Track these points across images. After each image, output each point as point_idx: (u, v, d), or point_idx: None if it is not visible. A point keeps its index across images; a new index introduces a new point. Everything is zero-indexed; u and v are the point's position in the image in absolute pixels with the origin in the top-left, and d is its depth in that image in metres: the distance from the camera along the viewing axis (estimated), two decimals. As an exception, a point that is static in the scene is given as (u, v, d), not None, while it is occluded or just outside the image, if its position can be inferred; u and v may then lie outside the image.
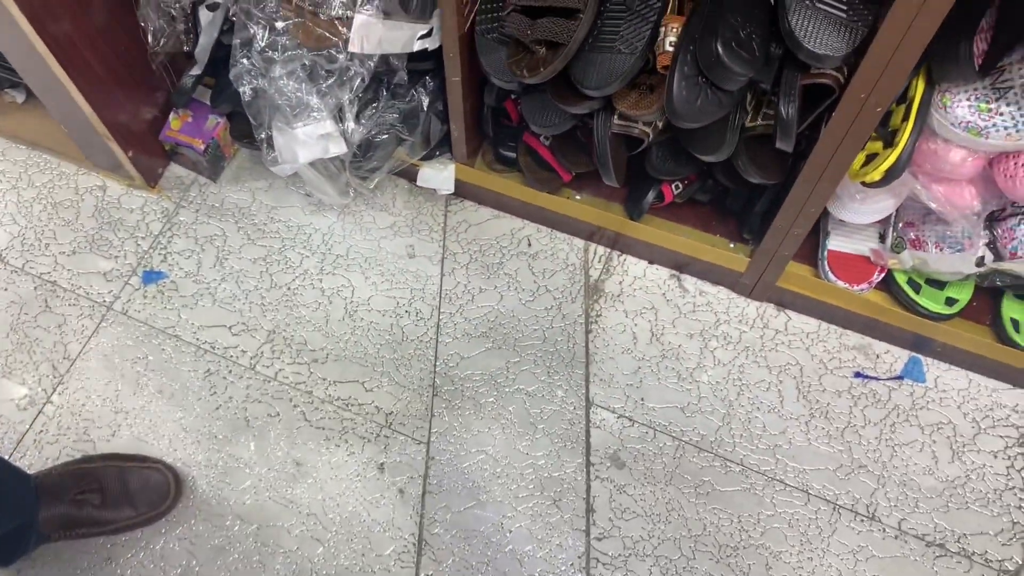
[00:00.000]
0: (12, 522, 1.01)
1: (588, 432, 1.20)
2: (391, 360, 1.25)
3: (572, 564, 1.12)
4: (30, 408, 1.21)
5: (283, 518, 1.14)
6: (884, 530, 1.14)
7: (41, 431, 1.20)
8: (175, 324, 1.27)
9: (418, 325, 1.27)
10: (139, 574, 1.12)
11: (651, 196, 1.18)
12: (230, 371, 1.24)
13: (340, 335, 1.27)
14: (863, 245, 1.18)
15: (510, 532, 1.14)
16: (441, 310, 1.29)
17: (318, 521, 1.15)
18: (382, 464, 1.18)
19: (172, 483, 1.14)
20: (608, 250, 1.32)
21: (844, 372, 1.24)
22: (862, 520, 1.15)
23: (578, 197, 1.28)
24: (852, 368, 1.24)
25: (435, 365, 1.25)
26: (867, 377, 1.23)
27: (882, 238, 1.18)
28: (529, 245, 1.33)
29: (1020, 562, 1.12)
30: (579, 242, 1.33)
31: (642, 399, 1.22)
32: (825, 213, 1.15)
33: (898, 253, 1.14)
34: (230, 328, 1.27)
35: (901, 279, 1.18)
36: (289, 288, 1.30)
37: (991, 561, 1.11)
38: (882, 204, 1.10)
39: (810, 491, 1.16)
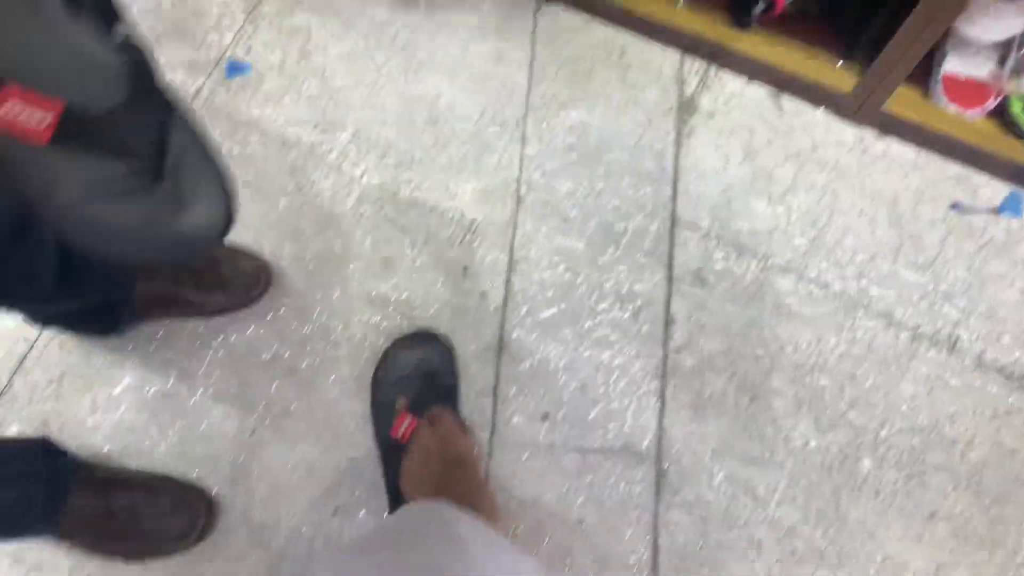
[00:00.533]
0: (107, 295, 1.04)
1: (672, 249, 1.20)
2: (475, 168, 1.24)
3: (648, 373, 1.14)
4: (120, 193, 1.22)
5: (368, 313, 1.17)
6: (963, 362, 1.14)
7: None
8: (260, 118, 1.26)
9: (503, 133, 1.25)
10: (229, 356, 1.15)
11: (762, 1, 1.12)
12: (316, 168, 1.23)
13: (425, 139, 1.25)
14: (981, 68, 1.12)
15: (589, 338, 1.15)
16: (527, 119, 1.26)
17: (404, 317, 1.17)
18: (466, 268, 1.19)
19: (262, 272, 1.15)
20: (706, 64, 1.27)
21: (941, 202, 1.20)
22: (942, 350, 1.14)
23: (681, 3, 1.21)
24: (949, 199, 1.20)
25: (520, 175, 1.23)
26: (964, 209, 1.19)
27: (1002, 61, 1.11)
28: (623, 55, 1.28)
29: (1101, 398, 1.11)
30: (675, 55, 1.28)
31: (729, 220, 1.21)
32: (945, 33, 1.08)
33: (1018, 76, 1.08)
34: (315, 125, 1.25)
35: (1016, 106, 1.12)
36: (374, 87, 1.27)
37: (1071, 395, 1.11)
38: (1012, 22, 1.03)
39: (892, 318, 1.16)
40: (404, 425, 1.01)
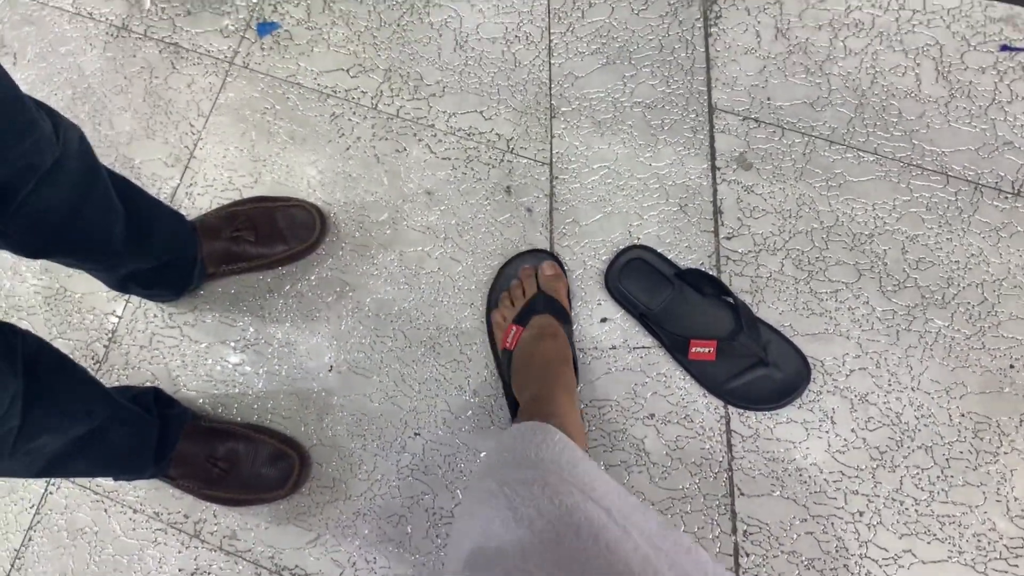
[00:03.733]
0: (175, 253, 1.11)
1: (712, 137, 1.18)
2: (506, 87, 1.25)
3: (702, 264, 1.15)
4: (176, 164, 1.29)
5: (422, 243, 1.20)
6: (1031, 205, 1.09)
7: (191, 184, 1.28)
8: (295, 72, 1.30)
9: (529, 49, 1.25)
10: (300, 302, 1.21)
11: None
12: (354, 112, 1.27)
13: (454, 67, 1.26)
14: None
15: (638, 239, 1.16)
16: (551, 31, 1.26)
17: (455, 244, 1.20)
18: (508, 187, 1.21)
19: (317, 218, 1.20)
20: (724, -57, 1.23)
21: (989, 47, 1.15)
22: (1006, 197, 1.10)
23: None
24: (998, 41, 1.15)
25: (550, 87, 1.24)
26: (1016, 49, 1.14)
27: None
28: (638, -51, 1.26)
29: None
30: (692, -61, 1.25)
31: (768, 99, 1.18)
32: None
33: None
34: (347, 71, 1.29)
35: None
36: (399, 25, 1.29)
37: None
38: None
39: (950, 173, 1.12)
40: (511, 334, 1.06)
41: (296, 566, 1.15)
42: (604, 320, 1.15)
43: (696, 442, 1.10)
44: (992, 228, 1.10)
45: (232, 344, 1.22)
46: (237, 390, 1.21)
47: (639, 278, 1.13)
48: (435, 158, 1.23)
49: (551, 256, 1.16)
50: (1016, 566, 1.03)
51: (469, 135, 1.23)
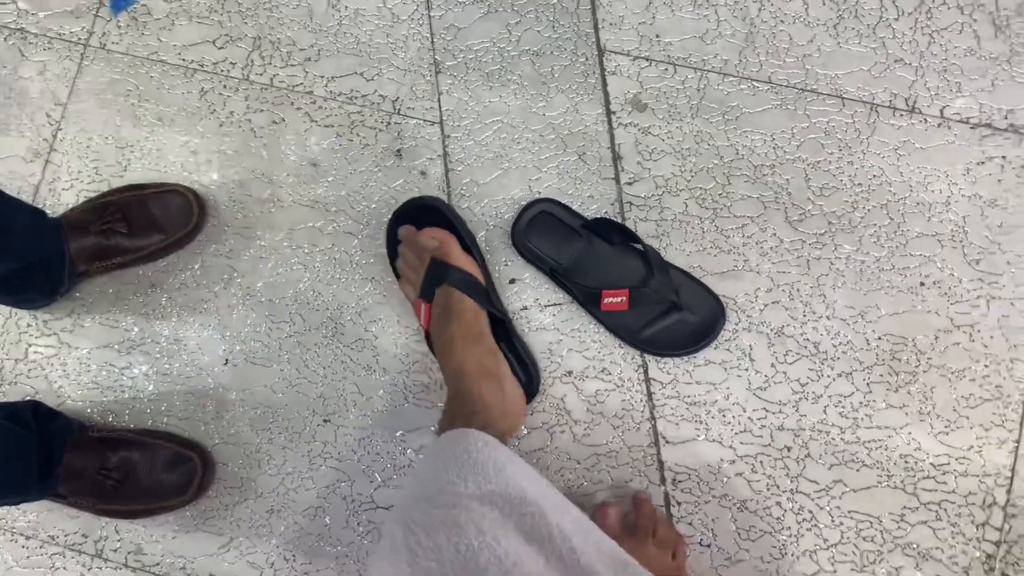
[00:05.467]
0: (37, 253, 1.01)
1: (604, 80, 1.14)
2: (386, 45, 1.17)
3: (606, 212, 1.10)
4: (36, 159, 1.18)
5: (311, 219, 1.13)
6: (926, 120, 1.08)
7: (53, 180, 1.18)
8: (157, 49, 1.20)
9: (406, 3, 1.18)
10: (185, 294, 1.13)
11: None
12: (225, 86, 1.18)
13: (328, 28, 1.18)
14: None
15: (539, 193, 1.11)
16: (428, -19, 1.19)
17: (347, 216, 1.13)
18: (399, 150, 1.14)
19: (194, 202, 1.12)
20: None
21: (872, -37, 1.13)
22: (902, 115, 1.09)
23: None
24: (881, -43, 1.12)
25: (432, 41, 1.17)
26: (898, -37, 1.12)
27: None
28: None
29: (1073, 123, 1.06)
30: None
31: (657, 35, 1.14)
32: None
33: None
34: (214, 42, 1.20)
35: None
36: (263, -12, 1.20)
37: (1041, 128, 1.06)
38: None
39: (845, 95, 1.10)
40: (422, 313, 1.01)
41: (210, 574, 1.07)
42: (513, 281, 1.10)
43: (616, 394, 1.07)
44: (890, 147, 1.08)
45: (116, 347, 1.13)
46: (127, 395, 1.12)
47: (546, 233, 1.08)
48: (317, 126, 1.16)
49: (435, 201, 1.08)
50: (944, 483, 1.02)
51: (351, 99, 1.16)
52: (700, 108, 1.11)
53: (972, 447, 1.03)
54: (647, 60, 1.13)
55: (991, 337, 1.04)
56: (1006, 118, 1.08)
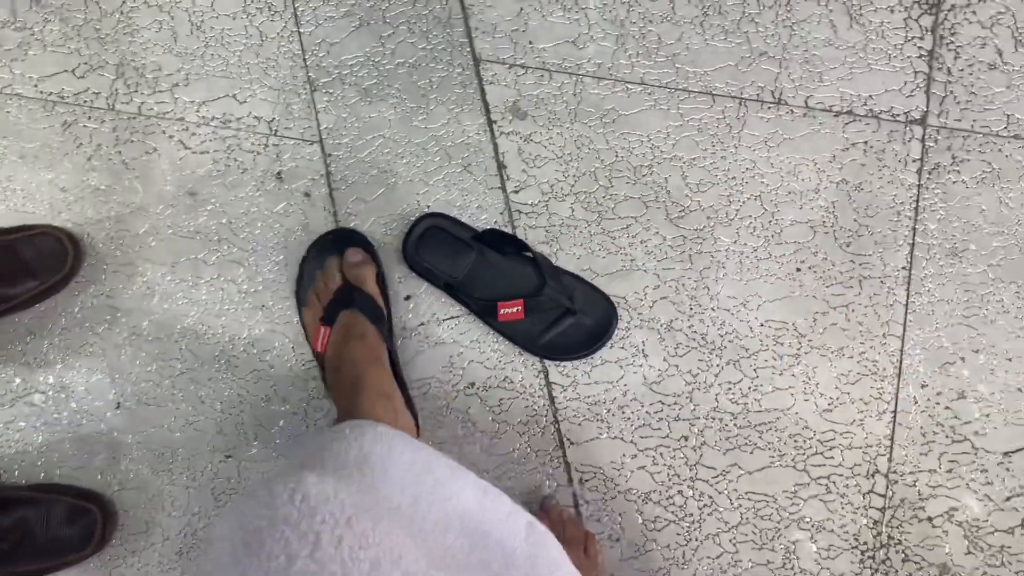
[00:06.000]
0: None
1: (482, 90, 1.14)
2: (256, 65, 1.15)
3: (496, 222, 1.11)
4: None
5: (194, 250, 1.10)
6: (792, 111, 1.13)
7: (-91, 228, 1.10)
8: (11, 82, 1.14)
9: (274, 20, 1.15)
10: (67, 339, 1.09)
11: None
12: (89, 117, 1.13)
13: (194, 51, 1.15)
14: None
15: (428, 207, 1.11)
16: (295, -3, 1.16)
17: (231, 244, 1.10)
18: (279, 173, 1.12)
19: (67, 243, 1.07)
20: None
21: (732, -39, 1.16)
22: (769, 107, 1.13)
23: None
24: (739, -46, 1.16)
25: (305, 59, 1.14)
26: (756, -40, 1.15)
27: None
28: (371, -101, 1.18)
29: (924, 108, 1.12)
30: None
31: (530, 42, 1.15)
32: None
33: None
34: (73, 71, 1.14)
35: None
36: (122, 13, 1.15)
37: (897, 115, 1.12)
38: None
39: (714, 92, 1.13)
40: (321, 337, 1.00)
41: (121, 624, 1.05)
42: (408, 297, 1.10)
43: (519, 401, 1.08)
44: (760, 140, 1.12)
45: (-3, 401, 1.08)
46: (13, 450, 1.07)
47: (438, 247, 1.08)
48: (191, 154, 1.12)
49: (355, 237, 1.08)
50: (831, 457, 1.08)
51: (225, 123, 1.13)
52: (578, 112, 1.13)
53: (854, 421, 1.09)
54: (522, 67, 1.14)
55: (864, 315, 1.10)
56: (865, 104, 1.13)
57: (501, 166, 1.12)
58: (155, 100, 1.14)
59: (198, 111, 1.13)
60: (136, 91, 1.13)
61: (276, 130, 1.13)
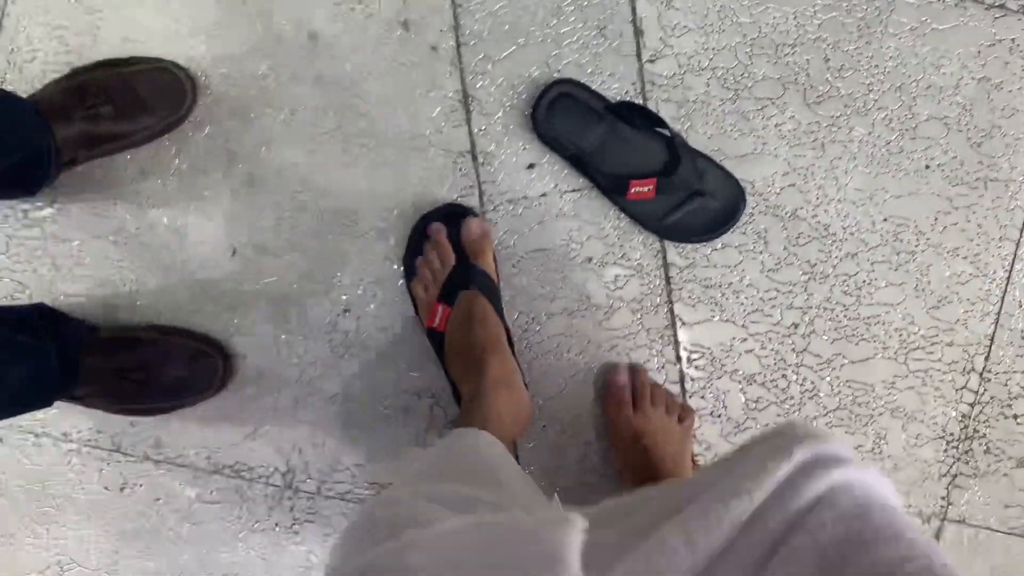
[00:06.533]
0: (23, 149, 0.91)
1: (624, -54, 1.07)
2: None
3: (627, 92, 1.08)
4: (-14, 25, 1.04)
5: (313, 97, 1.05)
6: (944, 2, 1.08)
7: (12, 50, 1.05)
8: None
9: None
10: (181, 180, 1.06)
11: None
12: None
13: None
14: None
15: (558, 71, 1.07)
16: None
17: (354, 94, 1.06)
18: (405, 21, 1.06)
19: (185, 81, 1.02)
20: None
21: None
22: (922, -6, 1.08)
23: None
24: None
25: None
26: None
27: None
28: None
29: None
30: None
31: None
32: None
33: None
34: None
35: None
36: None
37: None
38: None
39: (869, -29, 1.07)
40: (439, 315, 0.99)
41: (236, 462, 1.09)
42: (531, 166, 1.08)
43: (635, 279, 1.09)
44: (908, 27, 1.08)
45: (110, 238, 1.07)
46: (127, 288, 1.07)
47: (568, 116, 1.05)
48: (318, -7, 1.05)
49: (470, 211, 1.05)
50: (932, 353, 1.11)
51: (350, -38, 1.05)
52: (725, -20, 1.07)
53: (959, 320, 1.12)
54: (670, -76, 1.07)
55: (984, 218, 1.11)
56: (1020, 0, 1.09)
57: (638, 32, 1.08)
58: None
59: (322, -55, 1.05)
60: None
61: (404, -26, 1.06)
